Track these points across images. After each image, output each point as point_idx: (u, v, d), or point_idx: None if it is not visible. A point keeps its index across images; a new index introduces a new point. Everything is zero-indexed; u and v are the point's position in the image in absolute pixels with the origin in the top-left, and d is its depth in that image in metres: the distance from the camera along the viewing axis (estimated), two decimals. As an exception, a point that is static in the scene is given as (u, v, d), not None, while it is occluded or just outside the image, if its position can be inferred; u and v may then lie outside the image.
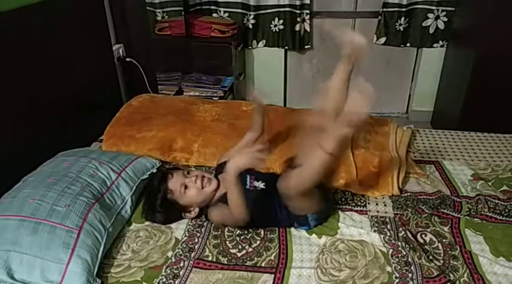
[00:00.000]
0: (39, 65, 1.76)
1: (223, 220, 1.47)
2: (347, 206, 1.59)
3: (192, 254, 1.38)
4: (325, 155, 1.23)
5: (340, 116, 1.23)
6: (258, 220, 1.46)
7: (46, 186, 1.41)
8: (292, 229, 1.48)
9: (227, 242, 1.43)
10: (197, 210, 1.52)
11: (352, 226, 1.46)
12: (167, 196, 1.49)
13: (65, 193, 1.40)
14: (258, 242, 1.43)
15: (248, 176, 1.56)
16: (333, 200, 1.59)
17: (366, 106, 1.18)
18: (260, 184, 1.55)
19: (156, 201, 1.49)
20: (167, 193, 1.49)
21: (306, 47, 3.20)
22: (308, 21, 3.08)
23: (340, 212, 1.53)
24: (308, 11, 3.04)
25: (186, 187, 1.50)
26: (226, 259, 1.37)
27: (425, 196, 1.60)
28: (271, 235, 1.46)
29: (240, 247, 1.42)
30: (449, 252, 1.36)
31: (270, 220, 1.48)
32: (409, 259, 1.32)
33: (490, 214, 1.51)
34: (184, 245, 1.42)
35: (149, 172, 1.68)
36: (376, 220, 1.51)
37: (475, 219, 1.50)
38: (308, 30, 3.11)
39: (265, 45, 3.20)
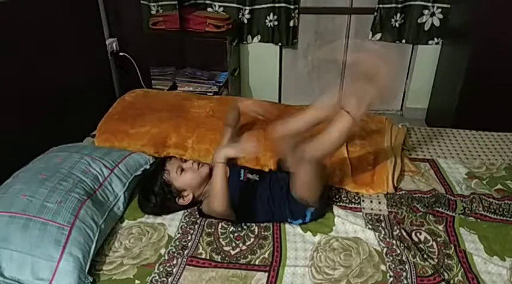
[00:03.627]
0: (31, 58, 1.73)
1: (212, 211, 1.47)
2: (341, 203, 1.58)
3: (185, 252, 1.37)
4: (351, 119, 1.27)
5: (373, 84, 1.28)
6: (251, 211, 1.47)
7: (37, 182, 1.39)
8: (287, 226, 1.47)
9: (221, 240, 1.42)
10: (190, 196, 1.52)
11: (347, 222, 1.46)
12: (163, 176, 1.51)
13: (57, 189, 1.38)
14: (252, 239, 1.42)
15: (242, 170, 1.60)
16: (328, 200, 1.58)
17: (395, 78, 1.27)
18: (254, 177, 1.58)
19: (153, 182, 1.51)
20: (164, 174, 1.51)
21: (294, 40, 3.19)
22: (297, 17, 3.08)
23: (335, 208, 1.53)
24: (296, 6, 3.04)
25: (182, 169, 1.54)
26: (219, 256, 1.36)
27: (419, 194, 1.60)
28: (265, 233, 1.45)
29: (233, 244, 1.40)
30: (444, 251, 1.36)
31: (263, 211, 1.48)
32: (404, 258, 1.32)
33: (485, 213, 1.51)
34: (178, 243, 1.41)
35: (142, 169, 1.66)
36: (370, 217, 1.51)
37: (470, 218, 1.50)
38: (296, 25, 3.11)
39: (260, 41, 3.18)
